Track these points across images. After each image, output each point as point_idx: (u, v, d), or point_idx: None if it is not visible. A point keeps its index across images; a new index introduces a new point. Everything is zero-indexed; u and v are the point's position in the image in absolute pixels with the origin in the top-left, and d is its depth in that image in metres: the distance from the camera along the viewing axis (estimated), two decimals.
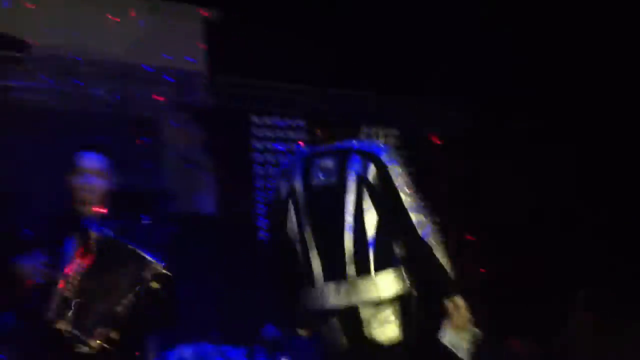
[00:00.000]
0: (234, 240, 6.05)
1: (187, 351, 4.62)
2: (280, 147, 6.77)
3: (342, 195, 2.90)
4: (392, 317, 2.88)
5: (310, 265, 2.93)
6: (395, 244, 2.94)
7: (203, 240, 5.27)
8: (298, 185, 2.99)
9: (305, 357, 4.67)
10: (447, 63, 6.51)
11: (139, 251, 2.74)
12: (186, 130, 6.29)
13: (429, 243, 2.86)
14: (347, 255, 2.86)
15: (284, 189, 3.05)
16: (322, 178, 2.96)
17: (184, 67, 6.37)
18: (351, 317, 2.88)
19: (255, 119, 6.65)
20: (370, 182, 2.90)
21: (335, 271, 2.89)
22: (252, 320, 5.28)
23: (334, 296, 2.88)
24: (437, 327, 2.91)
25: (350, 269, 2.85)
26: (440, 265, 2.87)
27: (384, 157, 2.95)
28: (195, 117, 6.31)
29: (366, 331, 2.88)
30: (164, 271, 2.76)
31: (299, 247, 2.97)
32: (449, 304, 2.88)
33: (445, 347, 2.88)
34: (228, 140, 6.27)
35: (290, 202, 3.00)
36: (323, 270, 2.90)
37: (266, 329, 4.79)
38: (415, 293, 2.95)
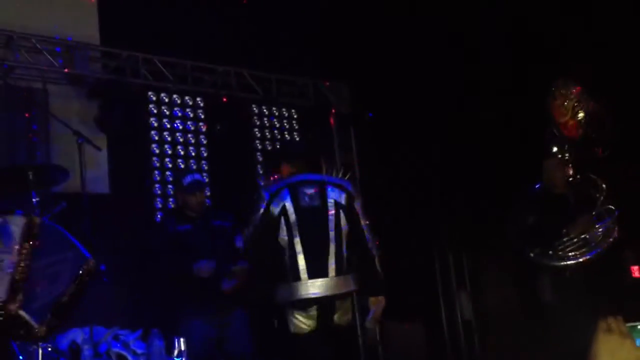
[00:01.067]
0: (127, 219, 5.85)
1: (79, 334, 4.43)
2: (177, 126, 6.60)
3: (325, 215, 3.88)
4: (350, 307, 4.00)
5: (297, 265, 3.80)
6: (354, 253, 3.98)
7: (95, 218, 5.05)
8: (289, 205, 3.86)
9: (197, 339, 4.63)
10: None
11: (77, 244, 2.88)
12: (79, 103, 6.02)
13: (373, 254, 3.97)
14: (329, 259, 3.82)
15: (275, 208, 3.88)
16: (307, 201, 3.89)
17: (79, 37, 6.09)
18: (327, 305, 3.84)
19: (152, 95, 6.43)
20: (343, 206, 3.93)
21: (319, 269, 3.81)
22: (147, 302, 5.15)
23: (317, 288, 3.79)
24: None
25: (331, 269, 3.80)
26: (377, 272, 3.99)
27: (351, 189, 4.04)
28: (90, 90, 6.02)
29: (335, 316, 3.89)
30: (95, 267, 3.04)
31: (287, 251, 3.83)
32: (376, 300, 4.03)
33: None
34: (123, 117, 6.03)
35: (282, 218, 3.84)
36: (308, 268, 3.79)
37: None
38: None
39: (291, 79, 7.32)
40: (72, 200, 4.76)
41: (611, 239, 4.65)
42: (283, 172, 4.16)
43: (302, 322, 3.86)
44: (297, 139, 7.39)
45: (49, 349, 4.27)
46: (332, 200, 3.93)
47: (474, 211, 6.36)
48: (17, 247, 2.69)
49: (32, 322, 2.71)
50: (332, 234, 3.86)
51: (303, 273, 3.79)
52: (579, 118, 4.80)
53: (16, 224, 2.76)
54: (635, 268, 6.40)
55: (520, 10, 6.17)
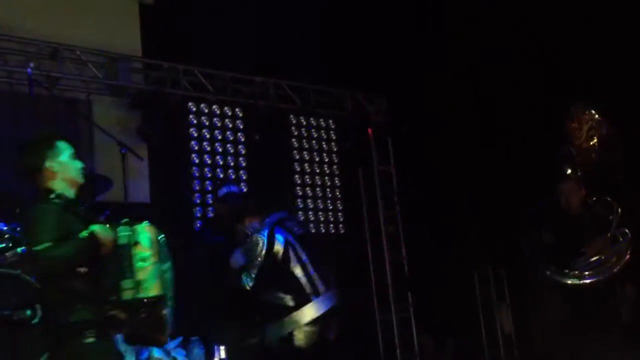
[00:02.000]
0: (167, 228, 5.90)
1: (120, 341, 4.50)
2: (216, 136, 6.67)
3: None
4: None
5: (315, 283, 4.44)
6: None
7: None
8: (290, 238, 4.47)
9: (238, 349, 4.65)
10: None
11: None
12: (121, 114, 6.13)
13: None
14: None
15: (278, 243, 4.42)
16: (298, 231, 4.59)
17: (121, 49, 6.21)
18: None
19: (192, 106, 6.52)
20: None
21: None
22: (187, 310, 5.19)
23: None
24: None
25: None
26: None
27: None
28: (131, 100, 6.13)
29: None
30: None
31: (300, 275, 4.41)
32: None
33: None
34: (164, 127, 6.12)
35: (289, 249, 4.42)
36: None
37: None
38: None
39: (328, 90, 7.35)
40: (115, 209, 4.84)
41: (623, 261, 4.73)
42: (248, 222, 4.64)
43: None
44: (335, 149, 7.41)
45: None
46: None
47: (512, 223, 6.31)
48: (156, 252, 3.09)
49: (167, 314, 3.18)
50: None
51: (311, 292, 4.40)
52: (593, 142, 4.86)
53: (151, 231, 3.11)
54: None
55: (543, 31, 6.19)
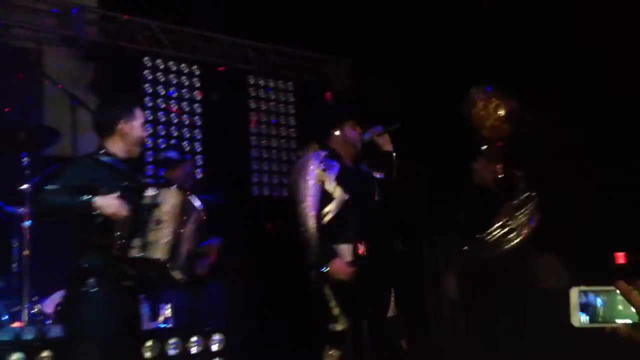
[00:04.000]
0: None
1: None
2: (172, 93, 6.55)
3: None
4: None
5: None
6: None
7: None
8: None
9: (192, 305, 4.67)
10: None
11: (193, 202, 3.52)
12: (73, 66, 5.96)
13: None
14: None
15: None
16: None
17: None
18: None
19: (148, 61, 6.38)
20: None
21: None
22: None
23: None
24: None
25: None
26: None
27: None
28: (85, 53, 5.97)
29: None
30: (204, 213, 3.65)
31: None
32: None
33: None
34: (118, 81, 5.98)
35: None
36: None
37: None
38: None
39: (289, 52, 7.26)
40: (63, 163, 4.73)
41: (533, 224, 4.86)
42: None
43: None
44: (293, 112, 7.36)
45: (34, 311, 4.30)
46: None
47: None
48: (175, 218, 3.22)
49: (180, 276, 3.28)
50: None
51: None
52: (500, 115, 5.00)
53: (174, 196, 3.26)
54: (619, 254, 6.51)
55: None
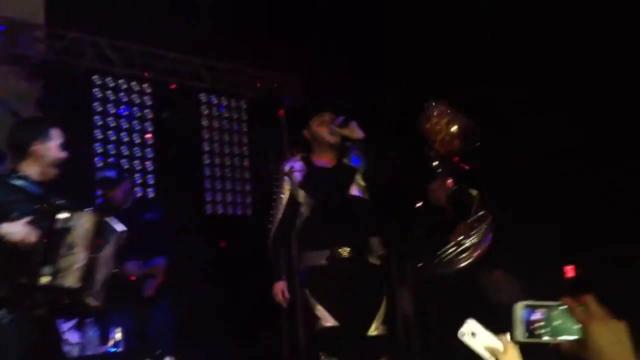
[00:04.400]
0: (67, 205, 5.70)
1: None
2: (122, 112, 6.46)
3: None
4: None
5: None
6: None
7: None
8: None
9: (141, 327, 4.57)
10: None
11: (112, 224, 3.39)
12: (20, 84, 5.83)
13: None
14: None
15: None
16: None
17: (23, 16, 5.90)
18: None
19: (97, 79, 6.28)
20: None
21: None
22: None
23: None
24: None
25: None
26: None
27: None
28: (32, 70, 5.85)
29: None
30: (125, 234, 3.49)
31: None
32: None
33: None
34: (66, 99, 5.88)
35: None
36: None
37: None
38: None
39: (241, 69, 7.24)
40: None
41: (486, 243, 4.96)
42: None
43: None
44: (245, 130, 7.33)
45: None
46: None
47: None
48: (89, 242, 3.09)
49: (95, 303, 3.15)
50: None
51: None
52: (453, 130, 5.12)
53: (88, 220, 3.14)
54: (569, 268, 6.65)
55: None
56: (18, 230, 2.95)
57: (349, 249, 3.70)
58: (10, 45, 5.80)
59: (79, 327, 4.62)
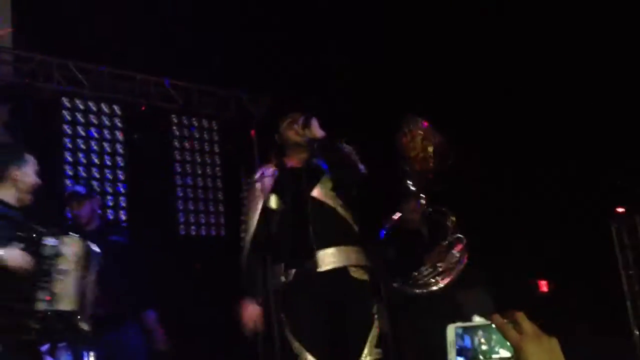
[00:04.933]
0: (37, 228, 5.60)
1: None
2: (92, 134, 6.40)
3: None
4: None
5: None
6: None
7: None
8: None
9: (112, 352, 4.47)
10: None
11: (94, 248, 3.43)
12: None
13: None
14: None
15: None
16: None
17: None
18: None
19: (66, 101, 6.21)
20: None
21: None
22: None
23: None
24: None
25: None
26: None
27: None
28: None
29: None
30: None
31: None
32: None
33: None
34: (35, 122, 5.81)
35: None
36: None
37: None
38: None
39: (212, 90, 7.23)
40: None
41: (462, 265, 5.02)
42: None
43: None
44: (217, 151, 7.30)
45: None
46: None
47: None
48: (79, 266, 3.13)
49: (87, 327, 3.18)
50: None
51: None
52: (428, 150, 5.17)
53: (75, 244, 3.17)
54: (542, 282, 6.72)
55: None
56: (16, 255, 2.93)
57: (326, 260, 3.27)
58: None
59: (51, 352, 4.52)
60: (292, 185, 3.47)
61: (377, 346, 3.22)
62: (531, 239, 6.62)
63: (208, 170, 7.23)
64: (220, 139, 7.37)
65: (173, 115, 7.02)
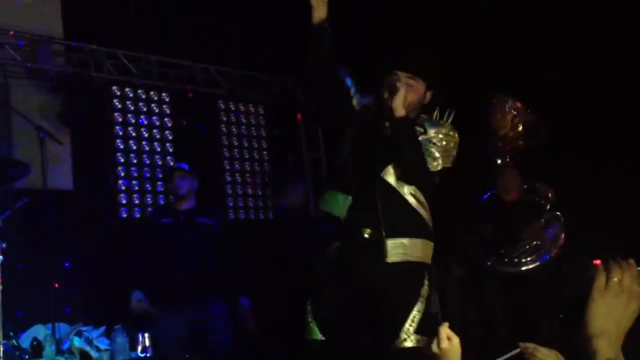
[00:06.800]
0: (91, 216, 5.77)
1: (40, 331, 4.36)
2: (142, 121, 6.53)
3: None
4: None
5: None
6: None
7: (58, 215, 4.99)
8: None
9: (165, 334, 4.58)
10: None
11: None
12: (41, 98, 5.92)
13: None
14: None
15: None
16: None
17: (41, 30, 5.98)
18: None
19: (116, 90, 6.35)
20: None
21: None
22: (111, 299, 5.08)
23: None
24: None
25: None
26: None
27: None
28: (52, 84, 5.93)
29: None
30: None
31: None
32: None
33: None
34: (87, 111, 5.95)
35: None
36: None
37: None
38: None
39: (257, 75, 7.28)
40: (34, 196, 4.70)
41: (559, 245, 4.87)
42: None
43: None
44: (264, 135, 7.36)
45: (11, 346, 4.22)
46: None
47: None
48: None
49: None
50: None
51: None
52: (518, 130, 5.04)
53: None
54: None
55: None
56: None
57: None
58: (29, 59, 5.88)
59: (107, 334, 4.68)
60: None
61: (417, 332, 2.89)
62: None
63: (255, 154, 7.31)
64: (267, 123, 7.44)
65: (220, 101, 7.11)
